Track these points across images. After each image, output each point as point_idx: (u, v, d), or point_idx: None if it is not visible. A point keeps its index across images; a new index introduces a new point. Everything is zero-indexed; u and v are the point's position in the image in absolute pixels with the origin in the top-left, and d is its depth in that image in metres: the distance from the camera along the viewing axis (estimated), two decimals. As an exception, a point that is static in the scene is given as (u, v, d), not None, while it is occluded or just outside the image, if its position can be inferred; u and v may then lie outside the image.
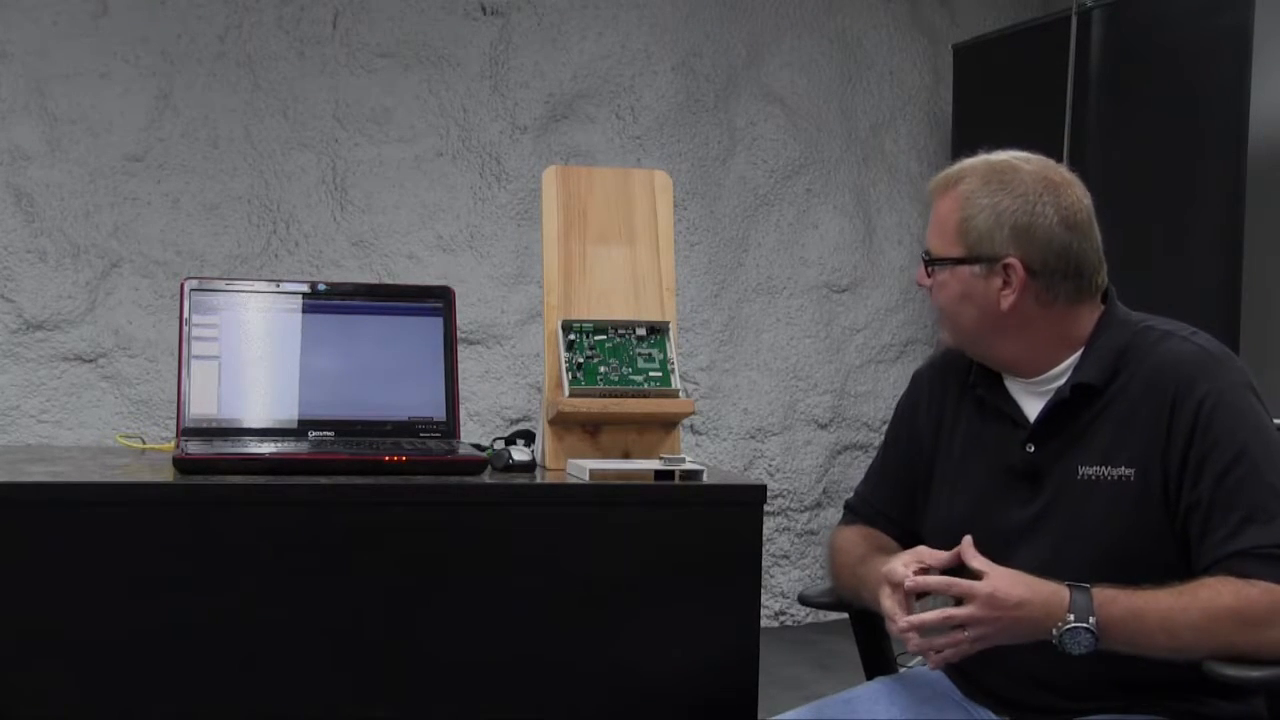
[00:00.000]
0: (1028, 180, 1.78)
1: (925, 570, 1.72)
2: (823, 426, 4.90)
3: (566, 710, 1.99)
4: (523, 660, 1.97)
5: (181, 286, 2.18)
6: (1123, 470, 1.71)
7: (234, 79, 4.21)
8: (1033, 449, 1.78)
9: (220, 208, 4.20)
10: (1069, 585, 1.64)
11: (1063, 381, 1.78)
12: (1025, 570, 1.69)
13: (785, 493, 4.84)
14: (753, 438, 4.81)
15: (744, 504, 2.06)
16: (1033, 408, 1.81)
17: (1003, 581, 1.64)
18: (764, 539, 2.16)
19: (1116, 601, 1.62)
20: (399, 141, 4.37)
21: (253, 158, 4.23)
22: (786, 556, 4.85)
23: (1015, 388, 1.84)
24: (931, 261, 1.84)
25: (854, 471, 4.93)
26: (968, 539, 1.71)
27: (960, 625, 1.65)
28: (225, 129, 4.21)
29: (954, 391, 1.92)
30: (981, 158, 1.84)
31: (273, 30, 4.25)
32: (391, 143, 4.36)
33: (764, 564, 4.63)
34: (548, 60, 4.51)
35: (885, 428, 2.10)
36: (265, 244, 4.24)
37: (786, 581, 4.83)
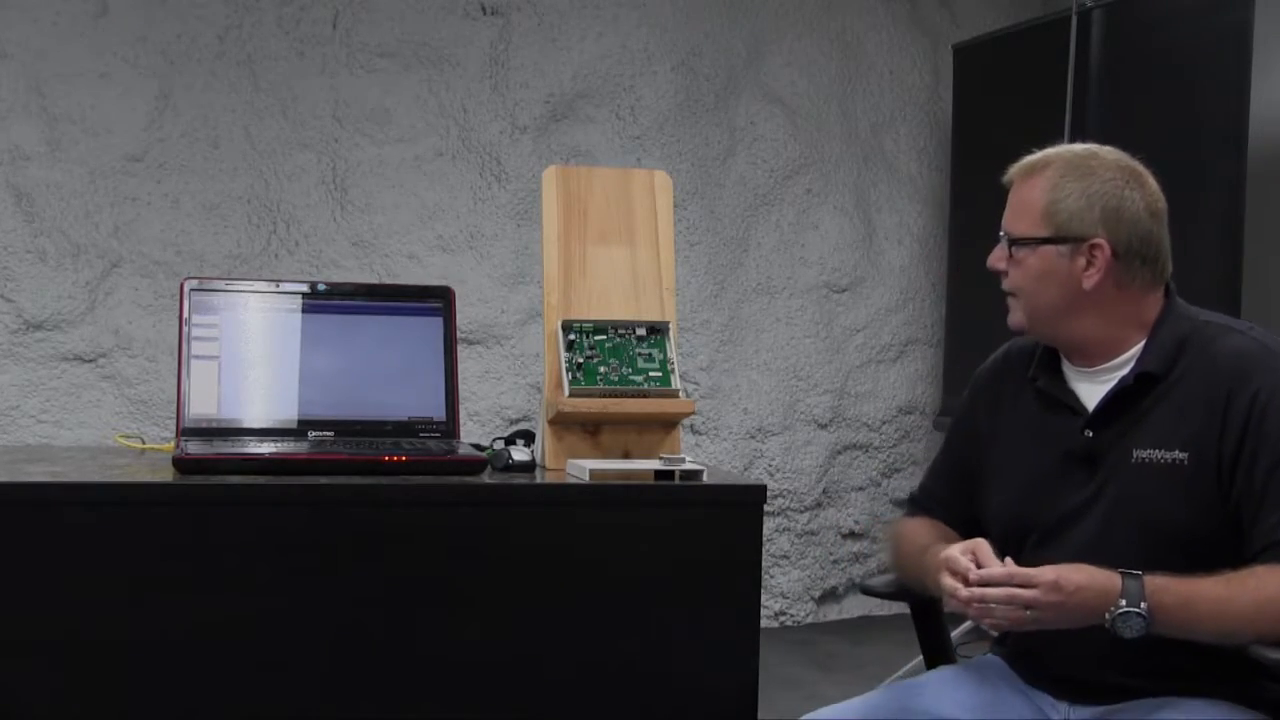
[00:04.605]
0: (1113, 167, 1.88)
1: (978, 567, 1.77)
2: (823, 426, 4.90)
3: (566, 711, 1.99)
4: (523, 661, 1.97)
5: (181, 286, 2.18)
6: (1176, 454, 1.79)
7: (234, 79, 4.21)
8: (1091, 434, 1.85)
9: (220, 208, 4.20)
10: (1121, 572, 1.70)
11: (1126, 370, 1.86)
12: (1074, 549, 1.79)
13: (785, 493, 4.84)
14: (753, 438, 4.81)
15: (744, 504, 2.07)
16: (1091, 396, 1.88)
17: (1062, 568, 1.71)
18: (764, 539, 2.16)
19: (1168, 589, 1.69)
20: (399, 141, 4.37)
21: (253, 158, 4.23)
22: (786, 557, 4.84)
23: (1074, 378, 1.92)
24: (1015, 242, 1.89)
25: (854, 472, 4.94)
26: (1009, 563, 1.75)
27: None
28: (225, 129, 4.21)
29: (1012, 388, 1.99)
30: (1064, 147, 1.92)
31: (273, 30, 4.25)
32: (391, 143, 4.36)
33: (764, 564, 4.63)
34: (548, 60, 4.51)
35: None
36: (265, 244, 4.24)
37: (786, 582, 4.83)
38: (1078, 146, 1.92)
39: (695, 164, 4.69)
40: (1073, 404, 1.89)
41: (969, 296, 4.62)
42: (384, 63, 4.36)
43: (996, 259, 1.92)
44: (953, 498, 2.05)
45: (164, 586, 1.86)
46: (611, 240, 2.28)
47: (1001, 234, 1.93)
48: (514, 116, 4.48)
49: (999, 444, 1.97)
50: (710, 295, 4.73)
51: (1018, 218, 1.90)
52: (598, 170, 2.33)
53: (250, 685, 1.89)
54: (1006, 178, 1.94)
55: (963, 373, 4.67)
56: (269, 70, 4.24)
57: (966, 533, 1.94)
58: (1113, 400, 1.85)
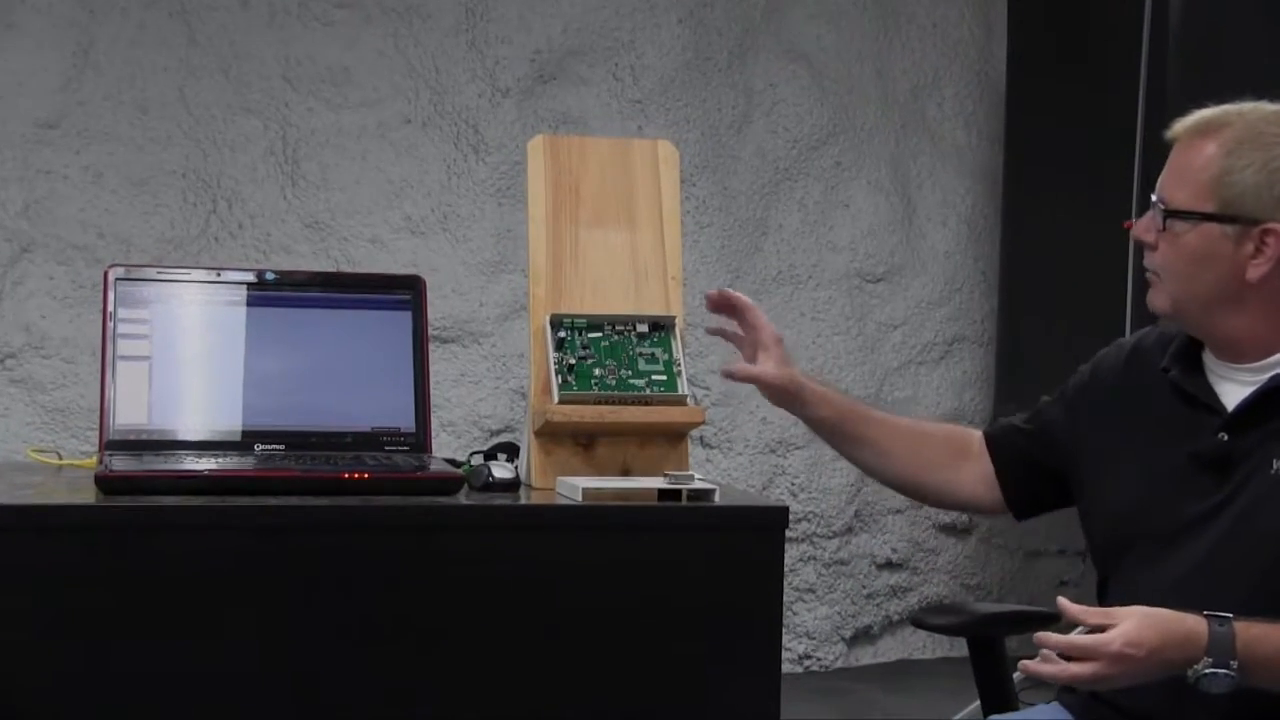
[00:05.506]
0: None
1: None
2: (854, 439, 4.91)
3: (555, 770, 2.00)
4: (504, 709, 1.98)
5: (105, 275, 2.19)
6: None
7: (166, 32, 4.21)
8: (1226, 438, 1.85)
9: (150, 183, 4.21)
10: (1208, 618, 1.69)
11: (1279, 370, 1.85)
12: (1184, 566, 1.80)
13: (810, 516, 4.85)
14: (773, 452, 4.81)
15: (763, 529, 2.07)
16: (1231, 395, 1.88)
17: (1131, 630, 1.69)
18: (786, 570, 2.17)
19: (1265, 639, 1.69)
20: (360, 106, 4.37)
21: (188, 124, 4.24)
22: (812, 590, 4.85)
23: (1216, 373, 1.92)
24: (1171, 214, 1.86)
25: (890, 492, 4.92)
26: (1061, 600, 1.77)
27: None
28: (156, 91, 4.21)
29: (1137, 377, 2.00)
30: (1249, 105, 1.87)
31: (211, -24, 4.26)
32: (351, 107, 4.37)
33: (786, 599, 4.64)
34: (533, 11, 4.52)
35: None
36: (204, 226, 4.25)
37: (812, 620, 4.84)
38: (1266, 106, 1.87)
39: (705, 133, 4.70)
40: (1210, 402, 1.89)
41: (1025, 287, 4.62)
42: (342, 14, 4.36)
43: (1144, 229, 1.91)
44: (1018, 434, 2.11)
45: (85, 625, 1.86)
46: (608, 222, 2.29)
47: (1154, 199, 1.90)
48: (494, 77, 4.49)
49: (1112, 438, 1.98)
50: (723, 285, 4.73)
51: (1178, 185, 1.87)
52: (592, 140, 2.34)
53: (186, 740, 1.90)
54: (1171, 133, 1.91)
55: (1017, 375, 4.67)
56: (207, 22, 4.25)
57: (1009, 470, 2.08)
58: (1258, 401, 1.84)
